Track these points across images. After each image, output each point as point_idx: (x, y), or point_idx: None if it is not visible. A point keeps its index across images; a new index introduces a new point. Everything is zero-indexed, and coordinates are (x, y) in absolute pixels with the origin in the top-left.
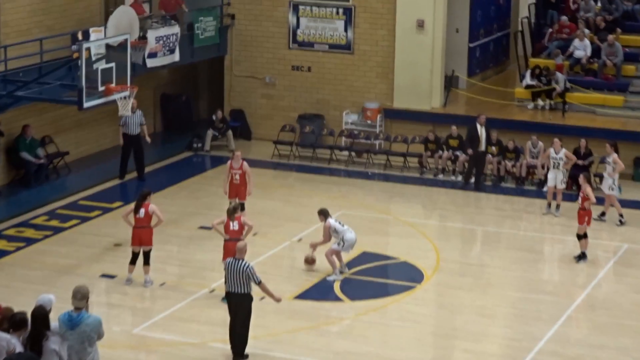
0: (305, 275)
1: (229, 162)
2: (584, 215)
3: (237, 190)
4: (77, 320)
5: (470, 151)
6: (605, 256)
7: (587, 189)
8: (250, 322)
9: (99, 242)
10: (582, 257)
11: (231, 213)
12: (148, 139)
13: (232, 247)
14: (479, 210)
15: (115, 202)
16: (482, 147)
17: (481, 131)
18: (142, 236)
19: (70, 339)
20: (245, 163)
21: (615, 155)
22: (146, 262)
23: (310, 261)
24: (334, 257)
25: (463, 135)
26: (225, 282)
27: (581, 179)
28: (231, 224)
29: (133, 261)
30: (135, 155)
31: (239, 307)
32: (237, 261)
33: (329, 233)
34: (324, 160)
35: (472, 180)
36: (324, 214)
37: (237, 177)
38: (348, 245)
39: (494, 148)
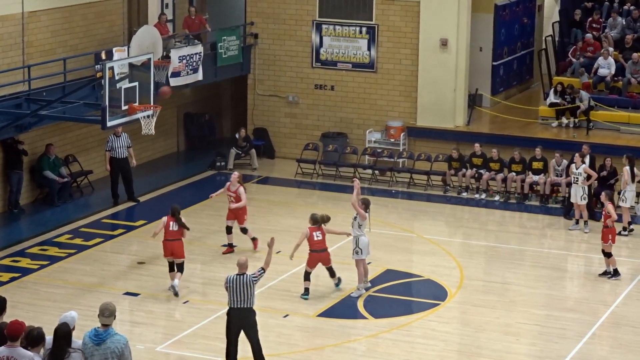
0: (329, 293)
1: (227, 184)
2: (607, 233)
3: (236, 214)
4: (104, 337)
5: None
6: (630, 273)
7: (609, 207)
8: (258, 334)
9: (123, 260)
10: (614, 274)
11: (317, 222)
12: (134, 162)
13: (316, 257)
14: (502, 228)
15: (139, 220)
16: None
17: (585, 161)
18: (173, 248)
19: (95, 355)
20: (241, 188)
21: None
22: (179, 269)
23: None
24: (362, 269)
25: (487, 153)
26: (229, 299)
27: (603, 196)
28: (314, 234)
29: (172, 269)
30: (123, 178)
31: (246, 321)
32: (239, 277)
33: (358, 216)
34: (347, 178)
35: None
36: (365, 204)
37: (233, 199)
38: (364, 249)
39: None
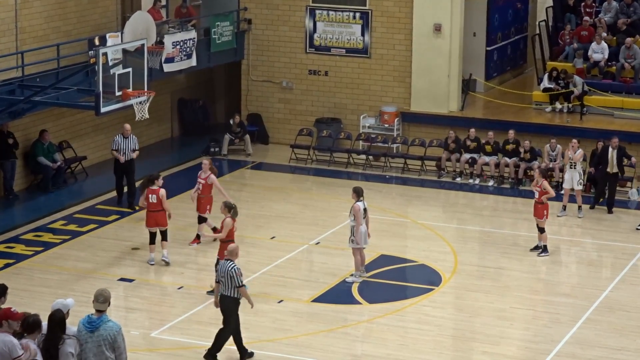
0: (323, 278)
1: (199, 172)
2: (542, 209)
3: (199, 202)
4: (97, 324)
5: (592, 170)
6: (623, 258)
7: (544, 183)
8: (233, 325)
9: (117, 246)
10: (544, 250)
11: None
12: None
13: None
14: (497, 213)
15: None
16: (613, 169)
17: (612, 154)
18: (157, 218)
19: (89, 342)
20: (212, 176)
21: None
22: (163, 238)
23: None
24: (359, 257)
25: (481, 138)
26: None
27: (537, 173)
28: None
29: (152, 241)
30: (127, 182)
31: (225, 308)
32: (226, 262)
33: (359, 215)
34: (342, 164)
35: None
36: (357, 192)
37: (200, 187)
38: (360, 240)
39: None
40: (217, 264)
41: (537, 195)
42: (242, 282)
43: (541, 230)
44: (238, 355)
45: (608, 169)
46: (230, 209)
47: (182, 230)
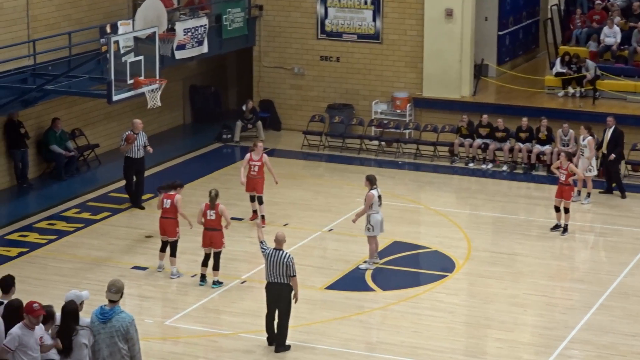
0: (336, 265)
1: (248, 153)
2: (569, 190)
3: (255, 183)
4: (110, 315)
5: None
6: (637, 243)
7: (571, 166)
8: (290, 312)
9: (130, 234)
10: (565, 229)
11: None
12: (150, 149)
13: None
14: (510, 199)
15: (146, 193)
16: (605, 149)
17: (607, 133)
18: (165, 226)
19: (102, 333)
20: (265, 155)
21: None
22: (172, 254)
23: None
24: (374, 245)
25: (493, 123)
26: (266, 273)
27: (563, 156)
28: (208, 213)
29: (163, 249)
30: (136, 180)
31: (280, 297)
32: (277, 251)
33: (370, 202)
34: (354, 150)
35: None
36: (370, 180)
37: (256, 169)
38: (377, 227)
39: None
40: (263, 246)
41: (563, 178)
42: (295, 272)
43: (566, 210)
44: (266, 342)
45: (602, 150)
46: (209, 194)
47: (194, 218)
